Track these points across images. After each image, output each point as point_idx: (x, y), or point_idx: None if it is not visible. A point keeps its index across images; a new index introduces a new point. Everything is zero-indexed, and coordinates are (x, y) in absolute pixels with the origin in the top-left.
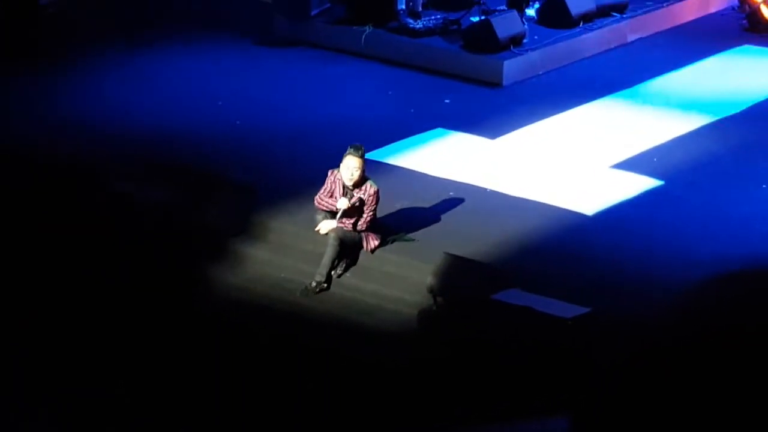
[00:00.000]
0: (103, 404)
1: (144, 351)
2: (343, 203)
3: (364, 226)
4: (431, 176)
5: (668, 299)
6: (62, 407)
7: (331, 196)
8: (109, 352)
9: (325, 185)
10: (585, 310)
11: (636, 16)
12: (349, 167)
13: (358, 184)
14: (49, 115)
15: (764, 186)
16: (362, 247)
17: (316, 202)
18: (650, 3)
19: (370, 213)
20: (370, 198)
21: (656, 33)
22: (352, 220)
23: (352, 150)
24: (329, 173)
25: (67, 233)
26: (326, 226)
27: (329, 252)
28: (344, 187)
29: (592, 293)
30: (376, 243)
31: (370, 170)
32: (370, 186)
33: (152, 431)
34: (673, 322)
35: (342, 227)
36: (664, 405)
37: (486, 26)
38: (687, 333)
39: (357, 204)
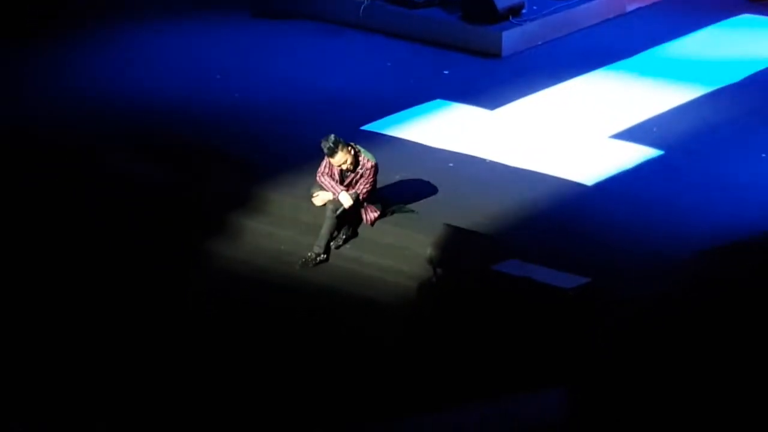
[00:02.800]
0: (103, 377)
1: (144, 324)
2: (346, 200)
3: (363, 197)
4: (431, 147)
5: (664, 272)
6: (66, 378)
7: (331, 177)
8: (109, 326)
9: (324, 163)
10: (585, 280)
11: None
12: (336, 163)
13: (354, 164)
14: (43, 92)
15: (763, 155)
16: (361, 219)
17: (318, 178)
18: None
19: (368, 185)
20: (368, 171)
21: (655, 2)
22: (351, 190)
23: (325, 151)
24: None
25: (65, 210)
26: (322, 197)
27: (327, 224)
28: (341, 170)
29: (592, 263)
30: (376, 215)
31: (369, 142)
32: (367, 161)
33: (153, 405)
34: (668, 295)
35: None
36: (659, 377)
37: None
38: (681, 305)
39: (358, 178)
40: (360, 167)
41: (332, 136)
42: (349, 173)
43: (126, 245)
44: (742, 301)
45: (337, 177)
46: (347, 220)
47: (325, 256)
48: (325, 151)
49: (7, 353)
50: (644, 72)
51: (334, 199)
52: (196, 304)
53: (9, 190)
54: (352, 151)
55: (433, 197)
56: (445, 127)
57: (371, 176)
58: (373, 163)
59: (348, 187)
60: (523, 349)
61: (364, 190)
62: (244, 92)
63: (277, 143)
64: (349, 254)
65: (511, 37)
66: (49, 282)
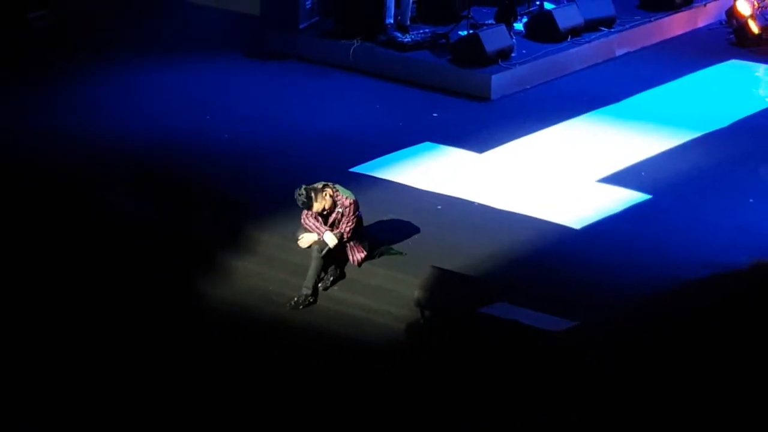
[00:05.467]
0: (94, 418)
1: (133, 363)
2: (330, 239)
3: (347, 236)
4: (419, 190)
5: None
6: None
7: (316, 219)
8: (99, 363)
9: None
10: (572, 323)
11: (624, 30)
12: (316, 210)
13: (332, 206)
14: (37, 128)
15: (751, 200)
16: (348, 259)
17: (302, 221)
18: (638, 17)
19: (350, 223)
20: (347, 210)
21: (644, 47)
22: (335, 230)
23: (301, 206)
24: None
25: (54, 246)
26: (308, 239)
27: (313, 264)
28: (321, 215)
29: (580, 306)
30: (362, 255)
31: (357, 184)
32: (345, 198)
33: None
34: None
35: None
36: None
37: (474, 40)
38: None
39: (339, 218)
40: (339, 206)
41: (303, 190)
42: (330, 214)
43: (115, 282)
44: (729, 340)
45: (321, 219)
46: (334, 260)
47: (313, 297)
48: (301, 206)
49: None
50: (632, 116)
51: (319, 239)
52: (185, 343)
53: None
54: (327, 196)
55: (420, 239)
56: (434, 170)
57: (351, 214)
58: (352, 201)
59: (332, 227)
60: (508, 392)
61: (347, 229)
62: (234, 132)
63: (267, 183)
64: (337, 295)
65: (500, 81)
66: (37, 317)
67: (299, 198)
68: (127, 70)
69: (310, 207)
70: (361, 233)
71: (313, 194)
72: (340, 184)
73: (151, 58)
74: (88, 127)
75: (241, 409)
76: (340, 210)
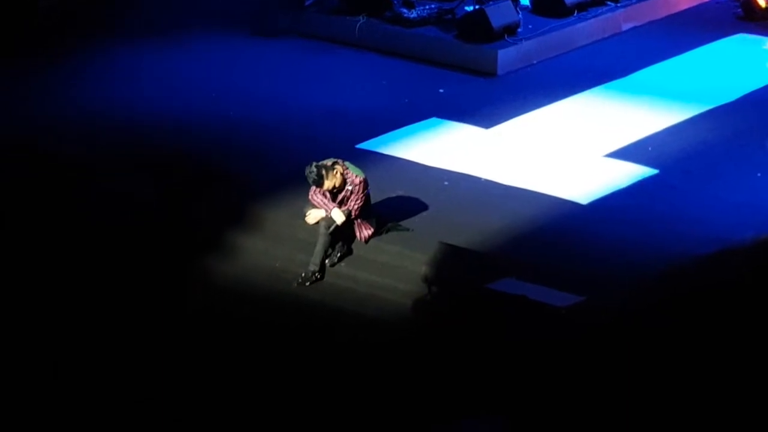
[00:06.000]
0: (98, 398)
1: (140, 341)
2: (338, 216)
3: (355, 213)
4: (426, 166)
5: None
6: (57, 400)
7: (324, 195)
8: (105, 345)
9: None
10: (579, 298)
11: (630, 4)
12: (326, 188)
13: (342, 183)
14: (44, 109)
15: (758, 174)
16: (355, 236)
17: (310, 197)
18: None
19: (359, 201)
20: (357, 187)
21: (651, 22)
22: (343, 207)
23: (312, 183)
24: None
25: (62, 226)
26: (315, 215)
27: (320, 241)
28: (330, 192)
29: (587, 282)
30: (370, 232)
31: (364, 160)
32: (355, 176)
33: (150, 423)
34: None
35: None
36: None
37: (480, 16)
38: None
39: (348, 195)
40: (349, 184)
41: (314, 167)
42: (339, 191)
43: (121, 261)
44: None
45: (329, 195)
46: (341, 237)
47: (321, 274)
48: (311, 183)
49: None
50: (639, 91)
51: (326, 216)
52: (193, 321)
53: (5, 205)
54: (338, 173)
55: (428, 215)
56: (441, 146)
57: (361, 192)
58: (362, 179)
59: (340, 204)
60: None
61: (356, 206)
62: (240, 110)
63: (273, 161)
64: (344, 272)
65: (506, 56)
66: (43, 296)
67: (310, 175)
68: (132, 50)
69: (321, 184)
70: (369, 210)
71: (324, 172)
72: (349, 161)
73: (157, 36)
74: (93, 107)
75: (248, 386)
76: (350, 188)
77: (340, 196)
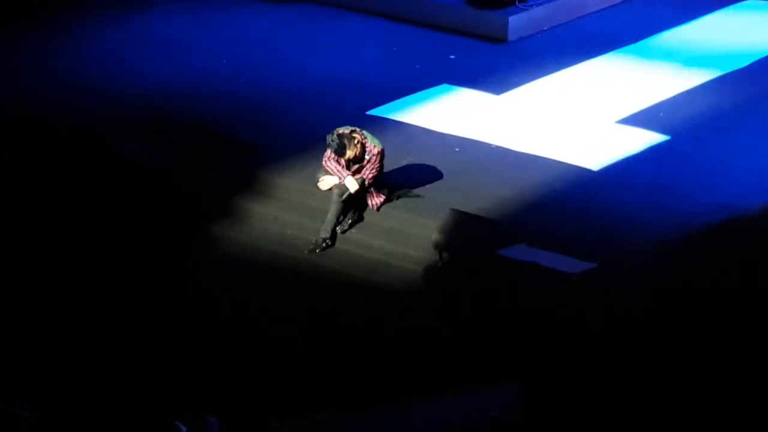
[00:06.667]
0: (109, 364)
1: (151, 309)
2: (352, 184)
3: (369, 182)
4: (437, 132)
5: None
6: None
7: (337, 162)
8: (116, 313)
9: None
10: (591, 265)
11: None
12: (346, 158)
13: (361, 154)
14: (52, 75)
15: None
16: (367, 204)
17: (323, 163)
18: None
19: (374, 171)
20: (374, 157)
21: None
22: (357, 176)
23: (334, 152)
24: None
25: (72, 193)
26: (328, 181)
27: (332, 208)
28: (348, 160)
29: (598, 248)
30: (381, 200)
31: (375, 127)
32: (374, 147)
33: (161, 388)
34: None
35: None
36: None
37: None
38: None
39: (365, 164)
40: (367, 153)
41: (335, 137)
42: (357, 161)
43: (132, 229)
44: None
45: (343, 162)
46: (353, 205)
47: (331, 241)
48: (334, 152)
49: (10, 341)
50: (651, 57)
51: (339, 183)
52: (203, 288)
53: (13, 174)
54: (358, 143)
55: (438, 182)
56: (452, 112)
57: (377, 162)
58: (380, 149)
59: (354, 172)
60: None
61: (370, 176)
62: (251, 77)
63: (284, 128)
64: (355, 239)
65: (517, 22)
66: (53, 266)
67: (332, 144)
68: (140, 16)
69: (343, 154)
70: (381, 180)
71: (346, 141)
72: (359, 127)
73: (166, 3)
74: (103, 74)
75: (257, 352)
76: (367, 157)
77: (355, 165)
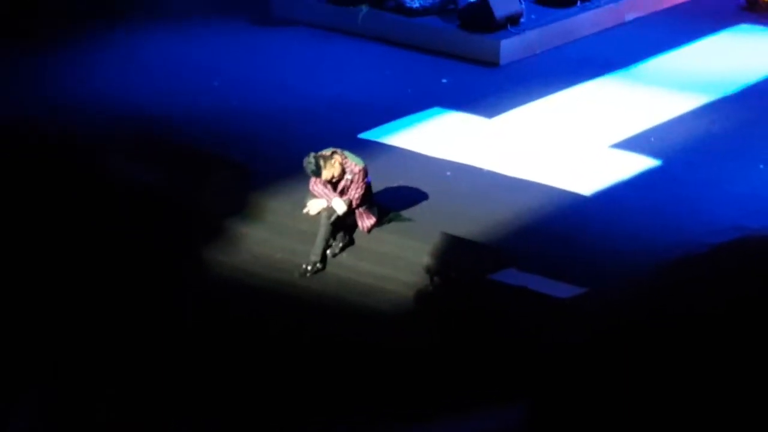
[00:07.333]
0: (97, 385)
1: (139, 331)
2: (339, 206)
3: (356, 202)
4: (428, 156)
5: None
6: (56, 380)
7: (324, 185)
8: (103, 333)
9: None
10: (581, 290)
11: None
12: (325, 178)
13: (342, 173)
14: (45, 95)
15: (761, 166)
16: (357, 225)
17: (310, 188)
18: None
19: (359, 190)
20: (356, 176)
21: (654, 12)
22: (344, 197)
23: (310, 174)
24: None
25: (61, 213)
26: (315, 205)
27: (322, 231)
28: (330, 182)
29: (590, 273)
30: (372, 222)
31: (366, 150)
32: (355, 165)
33: (148, 412)
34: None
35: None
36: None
37: (483, 5)
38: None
39: (348, 185)
40: (348, 173)
41: (311, 158)
42: (339, 181)
43: (122, 249)
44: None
45: (329, 185)
46: (343, 227)
47: (322, 264)
48: (310, 174)
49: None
50: (642, 81)
51: (327, 206)
52: (192, 310)
53: (4, 190)
54: (336, 163)
55: (430, 206)
56: (443, 136)
57: (360, 180)
58: (361, 167)
59: (341, 194)
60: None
61: (357, 196)
62: (243, 99)
63: (275, 150)
64: (346, 262)
65: (509, 46)
66: (43, 284)
67: (308, 166)
68: (133, 37)
69: (319, 175)
70: (370, 200)
71: (322, 162)
72: (349, 151)
73: (158, 24)
74: (95, 94)
75: (249, 377)
76: (349, 177)
77: (340, 186)
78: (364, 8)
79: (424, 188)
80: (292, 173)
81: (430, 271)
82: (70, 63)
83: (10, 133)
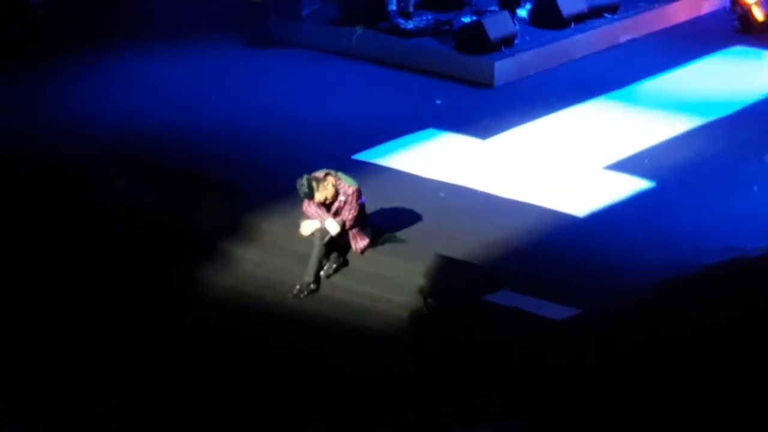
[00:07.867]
0: (90, 407)
1: (133, 352)
2: (332, 227)
3: (349, 223)
4: (422, 177)
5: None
6: (49, 407)
7: (318, 206)
8: (98, 355)
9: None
10: (575, 311)
11: (628, 17)
12: (318, 200)
13: (335, 195)
14: (38, 115)
15: (755, 188)
16: (350, 246)
17: (304, 209)
18: (642, 4)
19: (353, 211)
20: (349, 197)
21: (648, 34)
22: (337, 218)
23: (303, 196)
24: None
25: (55, 234)
26: (309, 226)
27: (315, 252)
28: (324, 204)
29: (583, 295)
30: (365, 243)
31: (360, 171)
32: (348, 186)
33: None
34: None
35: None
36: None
37: (477, 27)
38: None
39: (342, 206)
40: (342, 194)
41: (304, 180)
42: (332, 202)
43: (114, 271)
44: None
45: (323, 207)
46: (336, 248)
47: (316, 285)
48: (303, 196)
49: None
50: (636, 103)
51: (321, 227)
52: (186, 333)
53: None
54: (329, 185)
55: (424, 227)
56: (437, 157)
57: (354, 201)
58: (354, 189)
59: (334, 215)
60: (511, 382)
61: (350, 217)
62: (237, 119)
63: (269, 171)
64: (340, 283)
65: (503, 67)
66: (32, 306)
67: (301, 188)
68: (127, 57)
69: (312, 197)
70: (363, 221)
71: (314, 184)
72: (343, 172)
73: (152, 45)
74: (88, 115)
75: (242, 398)
76: (343, 198)
77: (334, 207)
78: (359, 29)
79: (418, 209)
80: (286, 194)
81: (423, 292)
82: (63, 83)
83: (4, 153)
